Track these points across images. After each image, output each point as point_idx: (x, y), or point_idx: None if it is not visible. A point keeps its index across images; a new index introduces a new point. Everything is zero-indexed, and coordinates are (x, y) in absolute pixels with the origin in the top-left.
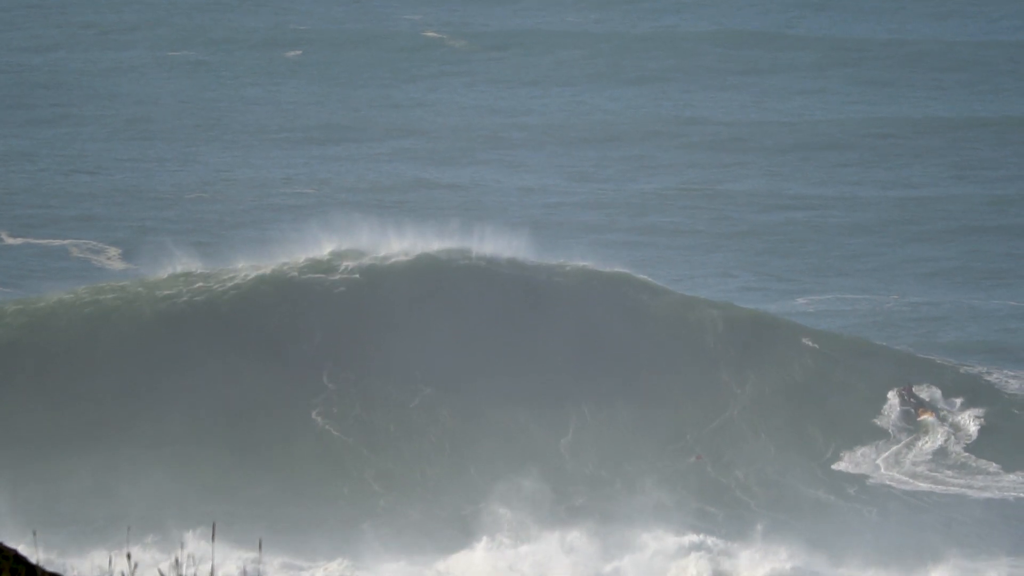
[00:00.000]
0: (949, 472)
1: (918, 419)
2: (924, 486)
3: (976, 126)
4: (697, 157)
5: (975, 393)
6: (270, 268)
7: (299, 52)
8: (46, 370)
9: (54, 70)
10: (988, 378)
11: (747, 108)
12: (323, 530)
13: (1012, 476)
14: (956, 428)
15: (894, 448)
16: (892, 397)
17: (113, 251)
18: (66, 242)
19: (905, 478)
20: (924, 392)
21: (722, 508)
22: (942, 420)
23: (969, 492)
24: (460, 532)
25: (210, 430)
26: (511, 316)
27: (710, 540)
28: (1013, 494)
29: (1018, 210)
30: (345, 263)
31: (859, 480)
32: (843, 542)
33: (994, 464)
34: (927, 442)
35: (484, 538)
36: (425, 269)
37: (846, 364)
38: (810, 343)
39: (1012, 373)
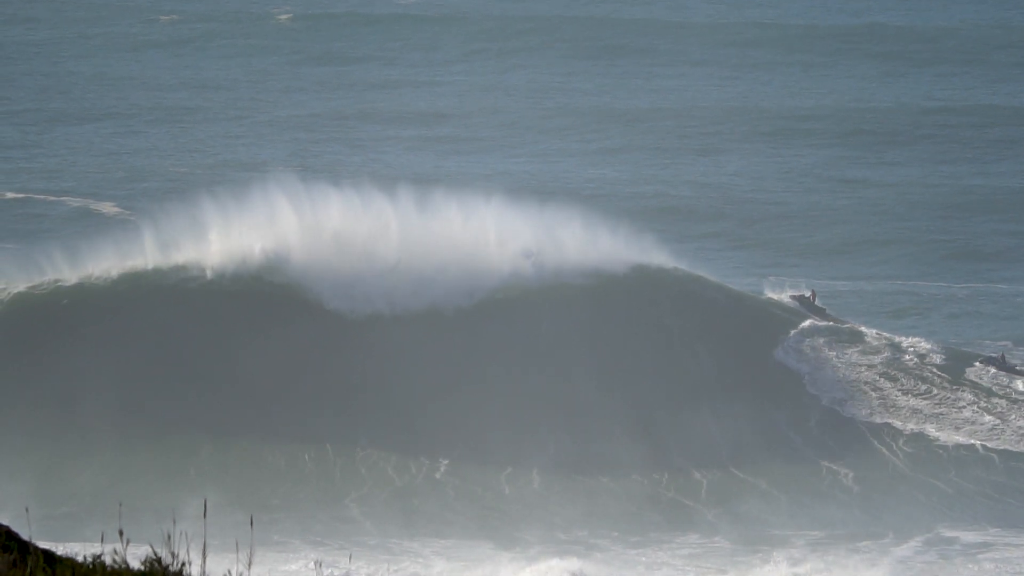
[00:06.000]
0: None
1: (827, 316)
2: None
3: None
4: (671, 140)
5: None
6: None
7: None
8: (38, 352)
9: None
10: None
11: (730, 93)
12: (313, 511)
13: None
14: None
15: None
16: (792, 301)
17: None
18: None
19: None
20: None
21: (700, 471)
22: (840, 321)
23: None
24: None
25: (201, 412)
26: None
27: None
28: (965, 426)
29: (999, 194)
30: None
31: (832, 424)
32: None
33: (937, 374)
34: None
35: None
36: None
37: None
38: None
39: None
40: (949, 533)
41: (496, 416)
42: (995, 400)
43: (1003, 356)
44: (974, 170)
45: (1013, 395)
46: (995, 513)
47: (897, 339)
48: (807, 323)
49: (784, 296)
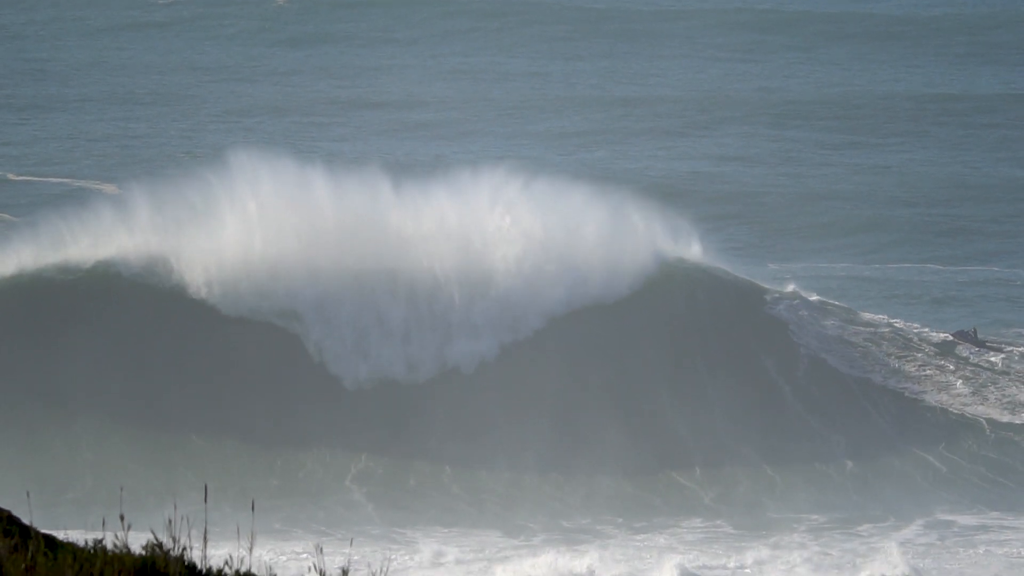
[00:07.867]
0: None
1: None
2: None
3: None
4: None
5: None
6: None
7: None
8: (39, 337)
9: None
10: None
11: (718, 79)
12: (314, 497)
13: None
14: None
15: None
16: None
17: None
18: None
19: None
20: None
21: (699, 457)
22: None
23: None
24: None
25: (203, 399)
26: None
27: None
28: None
29: (993, 181)
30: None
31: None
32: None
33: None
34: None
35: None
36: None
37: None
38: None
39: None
40: (945, 516)
41: (493, 406)
42: (975, 369)
43: (975, 330)
44: (976, 156)
45: (995, 367)
46: (990, 494)
47: (883, 316)
48: (798, 302)
49: (775, 295)
